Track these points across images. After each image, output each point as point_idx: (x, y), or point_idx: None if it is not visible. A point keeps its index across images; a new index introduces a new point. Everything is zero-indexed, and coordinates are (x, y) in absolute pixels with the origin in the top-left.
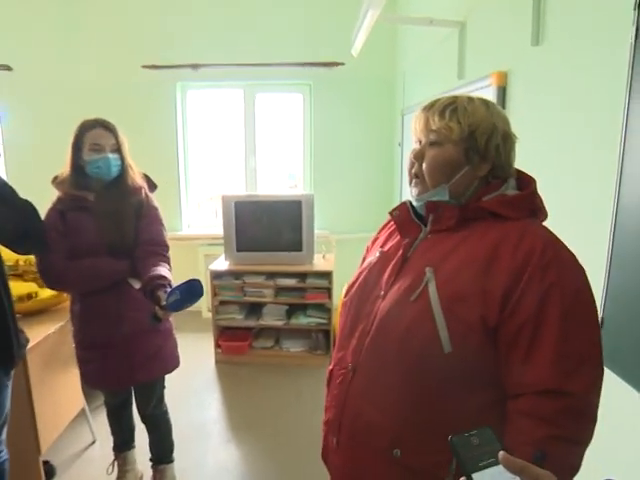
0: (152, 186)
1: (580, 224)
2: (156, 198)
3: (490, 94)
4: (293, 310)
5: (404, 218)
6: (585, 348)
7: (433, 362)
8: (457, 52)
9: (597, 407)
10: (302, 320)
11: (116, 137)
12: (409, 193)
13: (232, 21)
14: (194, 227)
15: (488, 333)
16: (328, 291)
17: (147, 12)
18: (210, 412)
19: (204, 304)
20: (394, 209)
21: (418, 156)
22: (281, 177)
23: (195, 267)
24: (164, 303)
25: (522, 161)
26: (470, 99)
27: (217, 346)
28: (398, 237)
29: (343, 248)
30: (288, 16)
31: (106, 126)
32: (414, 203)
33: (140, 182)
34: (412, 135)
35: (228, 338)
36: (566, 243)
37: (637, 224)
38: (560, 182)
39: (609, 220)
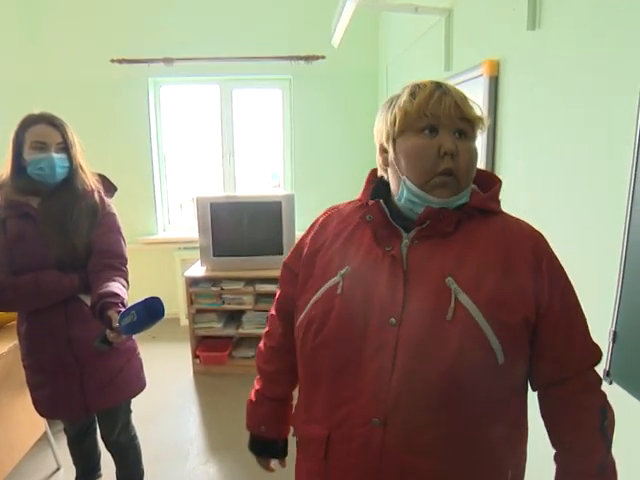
0: (110, 189)
1: (587, 230)
2: (127, 201)
3: (481, 85)
4: None
5: (379, 223)
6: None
7: (488, 377)
8: (444, 41)
9: None
10: None
11: (64, 135)
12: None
13: (207, 13)
14: (171, 230)
15: (529, 333)
16: None
17: (115, 2)
18: (186, 430)
19: (182, 311)
20: (365, 213)
21: (455, 150)
22: (264, 176)
23: (172, 273)
24: (116, 324)
25: (517, 158)
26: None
27: (195, 356)
28: (364, 247)
29: None
30: (266, 8)
31: (52, 122)
32: (436, 205)
33: (93, 184)
34: (416, 117)
35: (207, 348)
36: (571, 251)
37: None
38: (562, 182)
39: (621, 225)
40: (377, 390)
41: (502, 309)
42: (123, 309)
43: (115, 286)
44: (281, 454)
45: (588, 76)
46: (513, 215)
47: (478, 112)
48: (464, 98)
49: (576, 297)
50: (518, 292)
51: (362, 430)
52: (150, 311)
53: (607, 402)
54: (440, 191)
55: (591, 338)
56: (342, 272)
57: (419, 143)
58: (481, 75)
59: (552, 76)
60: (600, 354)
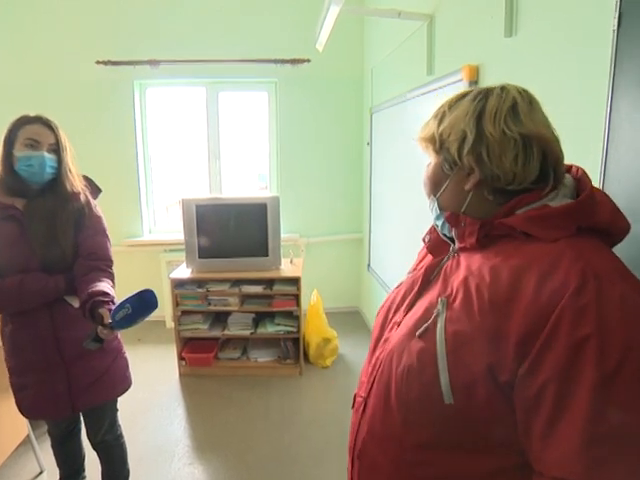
0: (95, 190)
1: None
2: (113, 203)
3: (460, 90)
4: (260, 318)
5: (435, 240)
6: (631, 430)
7: (431, 412)
8: (426, 46)
9: None
10: (270, 329)
11: (57, 137)
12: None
13: (193, 15)
14: (156, 233)
15: (499, 387)
16: (296, 298)
17: (101, 3)
18: (172, 431)
19: (168, 313)
20: (425, 234)
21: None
22: (251, 179)
23: (157, 275)
24: (109, 321)
25: None
26: (461, 97)
27: (181, 358)
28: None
29: (313, 252)
30: (252, 11)
31: (47, 123)
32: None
33: (80, 187)
34: None
35: (192, 349)
36: None
37: None
38: None
39: None
40: (371, 374)
41: (465, 349)
42: (114, 307)
43: (104, 286)
44: None
45: (560, 81)
46: (595, 251)
47: (421, 132)
48: (426, 121)
49: (618, 389)
50: (496, 334)
51: (359, 399)
52: (144, 302)
53: None
54: None
55: (586, 454)
56: (408, 274)
57: None
58: (461, 80)
59: (527, 81)
60: (586, 477)
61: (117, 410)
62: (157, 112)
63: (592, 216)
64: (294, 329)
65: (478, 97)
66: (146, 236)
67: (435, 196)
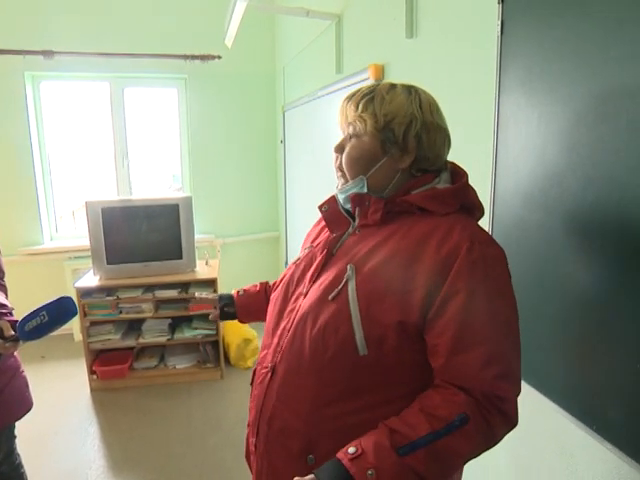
0: None
1: None
2: (4, 209)
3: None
4: (177, 323)
5: (333, 213)
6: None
7: (347, 365)
8: (335, 45)
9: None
10: (187, 333)
11: None
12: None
13: (94, 4)
14: (59, 239)
15: (408, 336)
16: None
17: None
18: (84, 452)
19: (75, 325)
20: (323, 204)
21: (338, 149)
22: (165, 180)
23: (62, 285)
24: (10, 333)
25: None
26: (392, 86)
27: (92, 372)
28: (327, 232)
29: (229, 252)
30: (161, 2)
31: None
32: (338, 196)
33: None
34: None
35: (104, 362)
36: None
37: (512, 213)
38: None
39: (487, 214)
40: (277, 344)
41: (378, 306)
42: (13, 318)
43: None
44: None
45: (455, 80)
46: (474, 224)
47: (356, 113)
48: (354, 104)
49: (489, 317)
50: (404, 292)
51: (264, 371)
52: (62, 308)
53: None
54: (338, 183)
55: (493, 370)
56: (305, 250)
57: None
58: (368, 78)
59: (427, 79)
60: (486, 386)
61: (15, 437)
62: (56, 108)
63: (466, 196)
64: (213, 332)
65: (410, 90)
66: (47, 243)
67: (366, 175)
